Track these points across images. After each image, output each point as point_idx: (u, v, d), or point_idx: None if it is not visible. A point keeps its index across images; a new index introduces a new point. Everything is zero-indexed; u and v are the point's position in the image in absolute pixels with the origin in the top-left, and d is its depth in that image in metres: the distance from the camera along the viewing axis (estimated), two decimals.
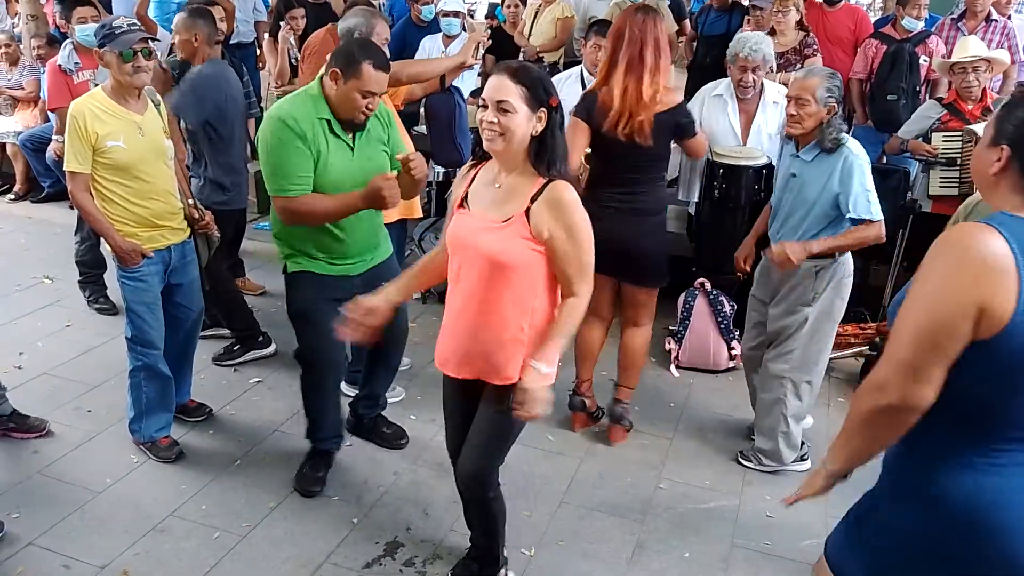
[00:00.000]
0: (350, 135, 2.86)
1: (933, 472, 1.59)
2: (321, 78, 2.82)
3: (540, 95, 2.14)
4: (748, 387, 3.60)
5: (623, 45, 3.13)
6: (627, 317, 3.50)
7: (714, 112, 4.20)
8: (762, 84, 4.11)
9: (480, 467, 2.45)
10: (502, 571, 2.70)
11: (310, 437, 3.24)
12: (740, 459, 3.46)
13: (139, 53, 2.96)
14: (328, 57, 2.82)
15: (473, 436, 2.43)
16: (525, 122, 2.13)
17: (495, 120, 2.12)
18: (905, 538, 1.64)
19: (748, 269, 3.50)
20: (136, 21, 3.04)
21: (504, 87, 2.11)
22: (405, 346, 3.42)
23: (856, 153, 3.03)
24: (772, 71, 4.92)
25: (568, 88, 4.27)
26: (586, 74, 4.17)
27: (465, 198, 2.30)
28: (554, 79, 4.70)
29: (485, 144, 2.18)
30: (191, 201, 3.35)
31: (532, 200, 2.16)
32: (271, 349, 4.15)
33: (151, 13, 5.51)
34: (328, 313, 2.98)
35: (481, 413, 2.40)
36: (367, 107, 2.77)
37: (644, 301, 3.44)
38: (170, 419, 3.40)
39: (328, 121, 2.80)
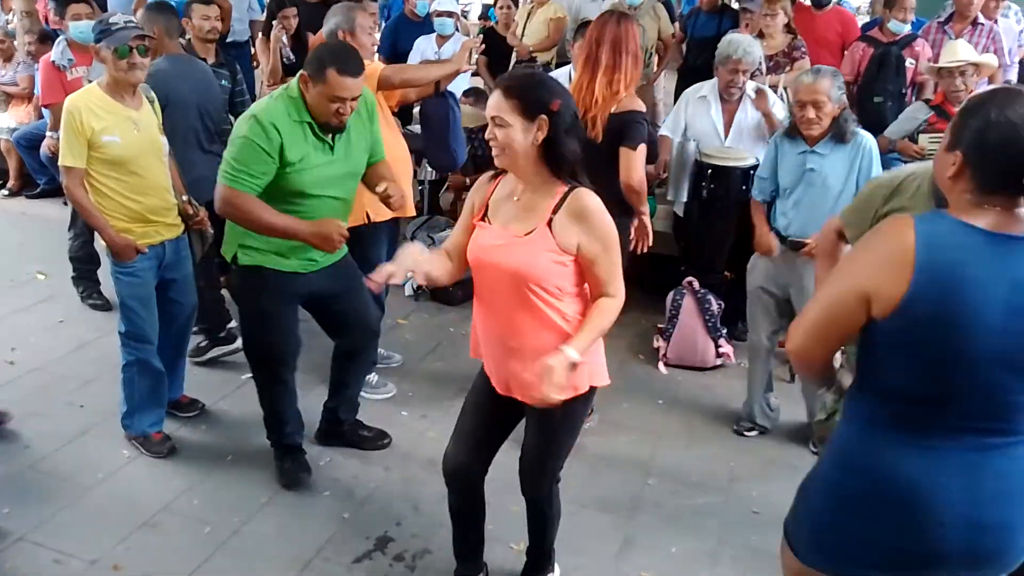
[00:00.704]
0: (330, 136, 2.86)
1: (863, 444, 1.74)
2: (297, 83, 2.82)
3: (535, 104, 2.09)
4: (754, 377, 3.66)
5: (585, 45, 3.23)
6: None
7: (698, 113, 4.28)
8: (745, 85, 4.19)
9: (548, 477, 2.49)
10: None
11: (275, 435, 3.23)
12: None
13: (135, 50, 2.99)
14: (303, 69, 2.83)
15: (530, 436, 2.43)
16: (522, 134, 2.09)
17: (494, 136, 2.12)
18: (837, 504, 1.79)
19: (776, 249, 3.45)
20: (132, 18, 3.06)
21: (497, 103, 2.11)
22: (374, 349, 3.44)
23: (865, 135, 3.29)
24: (761, 73, 4.98)
25: None
26: (574, 74, 4.20)
27: (486, 211, 2.27)
28: None
29: (496, 161, 2.18)
30: (185, 197, 3.37)
31: (555, 211, 2.13)
32: (236, 344, 4.05)
33: None
34: (281, 307, 3.00)
35: (535, 417, 2.38)
36: (338, 112, 2.76)
37: None
38: (163, 414, 3.42)
39: (309, 124, 2.80)
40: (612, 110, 3.16)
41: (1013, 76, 5.79)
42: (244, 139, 2.72)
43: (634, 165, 3.19)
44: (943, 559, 1.69)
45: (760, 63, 4.23)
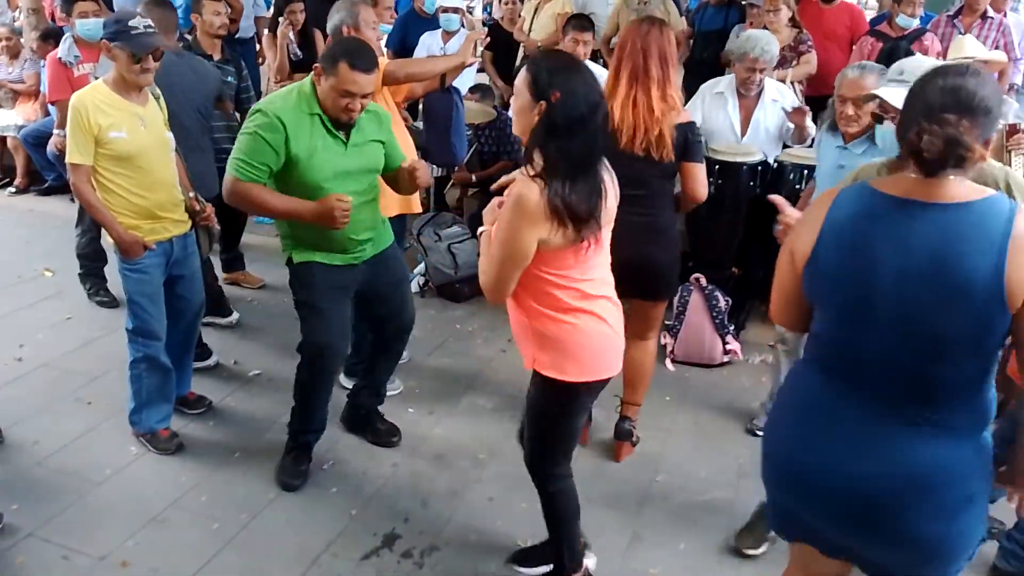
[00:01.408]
0: (343, 132, 2.87)
1: (792, 373, 1.95)
2: (313, 73, 2.84)
3: (541, 86, 2.07)
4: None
5: (628, 57, 3.00)
6: (634, 331, 3.17)
7: (715, 109, 4.23)
8: (763, 82, 4.13)
9: (528, 452, 2.56)
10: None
11: (295, 429, 3.24)
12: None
13: (150, 55, 3.00)
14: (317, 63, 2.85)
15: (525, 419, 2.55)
16: (527, 110, 2.09)
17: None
18: (768, 429, 1.97)
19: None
20: (151, 23, 3.06)
21: (521, 71, 2.14)
22: (406, 340, 3.43)
23: None
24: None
25: None
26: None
27: None
28: None
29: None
30: (192, 193, 3.37)
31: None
32: (209, 362, 4.02)
33: None
34: (334, 302, 3.03)
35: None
36: (347, 107, 2.76)
37: (655, 315, 3.29)
38: (170, 411, 3.42)
39: (320, 117, 2.81)
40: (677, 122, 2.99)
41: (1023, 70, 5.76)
42: (249, 132, 2.79)
43: (702, 179, 3.14)
44: (806, 494, 1.81)
45: (775, 60, 4.19)
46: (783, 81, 4.08)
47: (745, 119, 4.19)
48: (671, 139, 2.94)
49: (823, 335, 1.81)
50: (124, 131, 3.03)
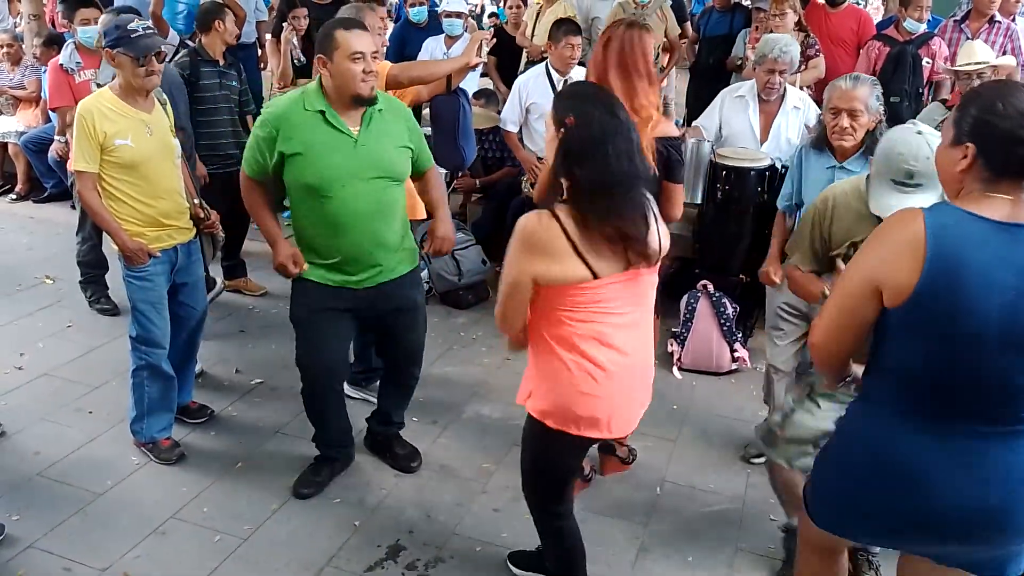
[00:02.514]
0: (355, 128, 2.78)
1: (868, 419, 1.85)
2: (320, 76, 2.80)
3: (558, 114, 2.10)
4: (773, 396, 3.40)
5: (590, 68, 2.93)
6: None
7: (735, 113, 4.17)
8: (785, 88, 4.07)
9: (522, 480, 2.48)
10: None
11: (315, 441, 3.23)
12: (749, 453, 3.42)
13: (153, 57, 2.97)
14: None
15: None
16: (552, 140, 2.12)
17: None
18: (841, 472, 1.92)
19: (778, 281, 3.13)
20: (151, 24, 3.03)
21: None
22: (422, 365, 3.32)
23: None
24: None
25: (535, 85, 4.43)
26: (553, 72, 4.46)
27: None
28: (521, 78, 4.79)
29: None
30: (196, 201, 3.35)
31: None
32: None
33: None
34: (326, 322, 2.96)
35: None
36: (364, 73, 2.70)
37: None
38: (172, 420, 3.39)
39: (323, 112, 2.75)
40: (655, 135, 2.84)
41: None
42: (252, 132, 2.89)
43: (680, 200, 2.99)
44: (935, 531, 1.78)
45: (795, 64, 4.11)
46: (792, 85, 4.03)
47: (766, 125, 4.12)
48: (651, 151, 2.77)
49: (900, 370, 1.76)
50: (129, 138, 3.01)
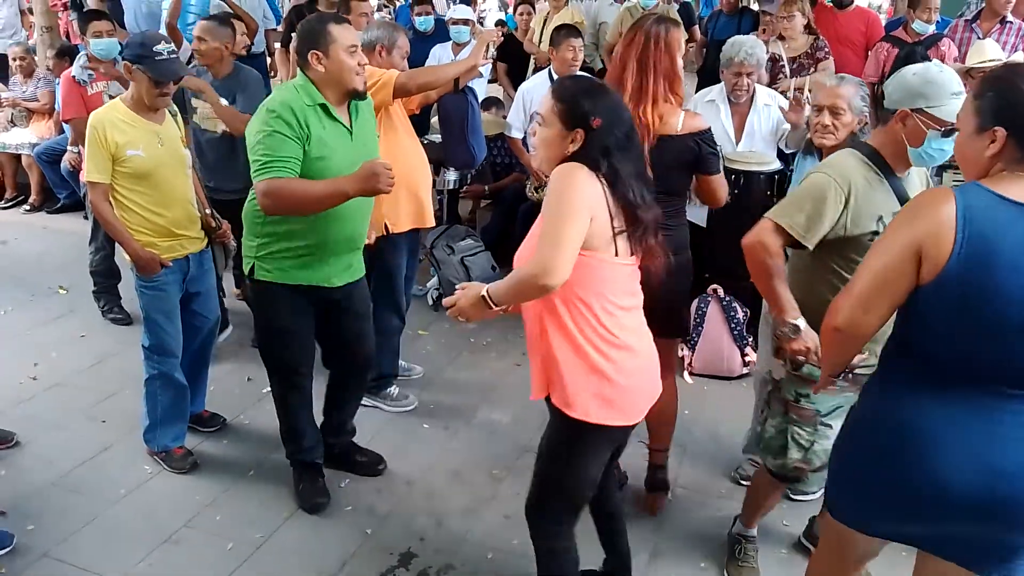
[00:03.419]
0: (348, 120, 2.81)
1: (891, 398, 1.83)
2: (302, 72, 2.76)
3: (577, 114, 2.02)
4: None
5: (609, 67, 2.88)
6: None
7: (707, 118, 4.15)
8: (754, 88, 4.12)
9: (529, 494, 2.33)
10: None
11: (292, 449, 3.18)
12: (740, 474, 3.38)
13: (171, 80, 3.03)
14: (299, 57, 2.78)
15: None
16: (557, 140, 2.05)
17: (535, 131, 2.08)
18: (863, 455, 1.89)
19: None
20: (175, 48, 3.06)
21: (544, 101, 2.10)
22: (367, 377, 3.34)
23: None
24: (786, 76, 4.91)
25: (539, 91, 4.46)
26: (555, 77, 4.44)
27: None
28: (525, 84, 4.80)
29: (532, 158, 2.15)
30: (208, 210, 3.37)
31: None
32: None
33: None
34: (293, 321, 2.95)
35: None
36: (359, 64, 2.73)
37: (663, 350, 2.55)
38: (184, 429, 3.41)
39: (323, 106, 2.74)
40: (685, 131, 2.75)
41: None
42: (265, 132, 2.63)
43: (720, 188, 2.90)
44: (955, 506, 1.74)
45: (762, 64, 4.14)
46: (801, 89, 4.03)
47: (739, 126, 4.16)
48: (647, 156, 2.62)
49: (923, 348, 1.76)
50: (141, 149, 3.04)
